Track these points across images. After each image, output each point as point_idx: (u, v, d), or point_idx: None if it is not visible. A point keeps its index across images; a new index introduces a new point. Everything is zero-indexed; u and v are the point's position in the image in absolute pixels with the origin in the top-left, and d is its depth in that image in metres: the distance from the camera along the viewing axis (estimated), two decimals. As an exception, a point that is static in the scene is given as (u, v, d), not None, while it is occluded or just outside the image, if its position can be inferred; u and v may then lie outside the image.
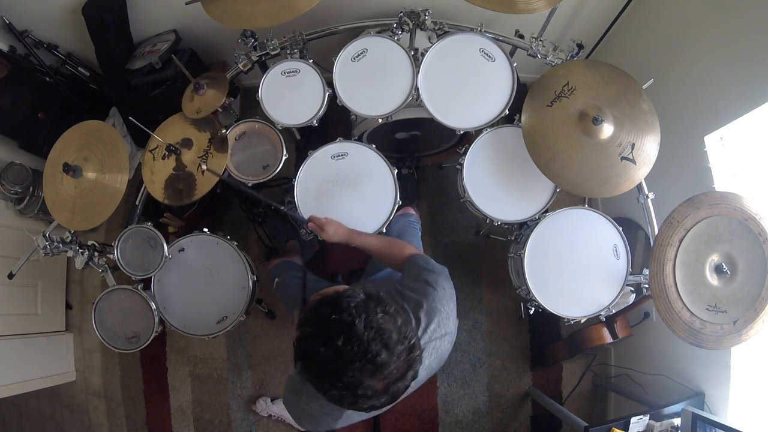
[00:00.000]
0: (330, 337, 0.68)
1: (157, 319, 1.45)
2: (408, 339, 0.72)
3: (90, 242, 1.52)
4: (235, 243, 1.51)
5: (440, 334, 0.95)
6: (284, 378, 2.23)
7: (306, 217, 1.40)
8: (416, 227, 1.59)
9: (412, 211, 1.64)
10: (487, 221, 1.53)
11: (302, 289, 1.28)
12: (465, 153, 1.52)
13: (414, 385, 0.96)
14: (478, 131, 1.51)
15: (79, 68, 2.04)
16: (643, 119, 1.35)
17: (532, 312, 1.56)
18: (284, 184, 1.95)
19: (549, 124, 1.38)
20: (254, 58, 1.56)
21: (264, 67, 1.59)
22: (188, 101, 1.50)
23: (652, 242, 1.36)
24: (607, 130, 1.34)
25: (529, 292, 1.46)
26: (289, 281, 1.51)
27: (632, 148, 1.34)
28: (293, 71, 1.51)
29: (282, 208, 1.38)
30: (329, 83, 1.50)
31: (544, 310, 1.46)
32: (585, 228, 1.47)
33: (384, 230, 1.46)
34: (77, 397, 2.34)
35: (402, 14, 1.53)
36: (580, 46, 1.49)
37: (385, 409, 0.77)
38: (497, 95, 1.48)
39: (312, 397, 0.91)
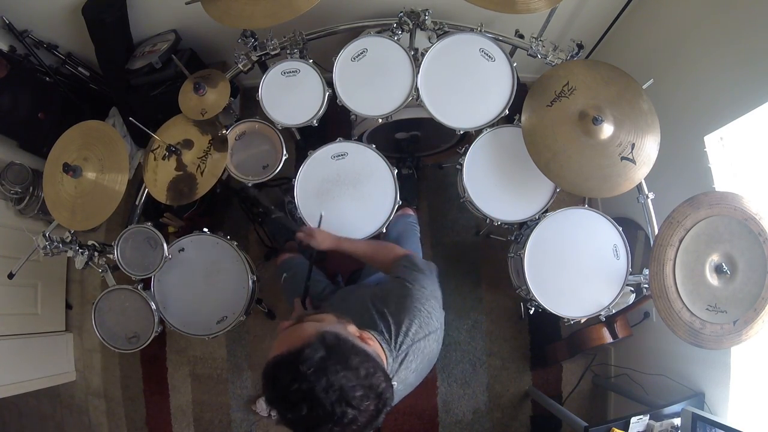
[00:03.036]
0: (293, 405, 0.67)
1: (157, 319, 1.45)
2: (375, 388, 0.71)
3: (90, 242, 1.52)
4: (235, 243, 1.51)
5: (423, 334, 0.94)
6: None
7: (304, 214, 1.41)
8: (415, 228, 1.59)
9: (411, 212, 1.64)
10: (487, 221, 1.53)
11: (304, 290, 1.27)
12: (465, 153, 1.52)
13: (406, 389, 0.96)
14: (478, 131, 1.51)
15: (79, 68, 2.04)
16: (643, 119, 1.35)
17: (532, 312, 1.56)
18: (284, 184, 1.95)
19: (549, 124, 1.38)
20: (254, 58, 1.56)
21: (264, 67, 1.59)
22: (188, 101, 1.49)
23: (652, 242, 1.36)
24: (607, 130, 1.34)
25: (529, 292, 1.46)
26: (298, 279, 1.51)
27: (632, 148, 1.34)
28: (293, 71, 1.51)
29: (274, 216, 1.39)
30: (329, 83, 1.50)
31: (544, 310, 1.46)
32: (585, 228, 1.47)
33: (384, 230, 1.46)
34: (77, 397, 2.34)
35: (402, 14, 1.53)
36: (580, 46, 1.49)
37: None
38: (497, 95, 1.48)
39: None
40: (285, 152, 1.50)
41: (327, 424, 0.67)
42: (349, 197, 1.48)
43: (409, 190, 2.17)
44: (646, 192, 1.45)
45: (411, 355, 0.92)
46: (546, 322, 2.17)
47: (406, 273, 1.05)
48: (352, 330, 0.80)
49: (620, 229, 1.45)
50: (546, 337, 2.19)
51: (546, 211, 1.51)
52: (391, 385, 0.76)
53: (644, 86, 1.37)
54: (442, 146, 2.10)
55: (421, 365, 0.96)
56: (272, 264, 2.20)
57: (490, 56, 1.49)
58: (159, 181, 1.49)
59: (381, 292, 1.03)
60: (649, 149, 1.35)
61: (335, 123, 1.79)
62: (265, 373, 0.71)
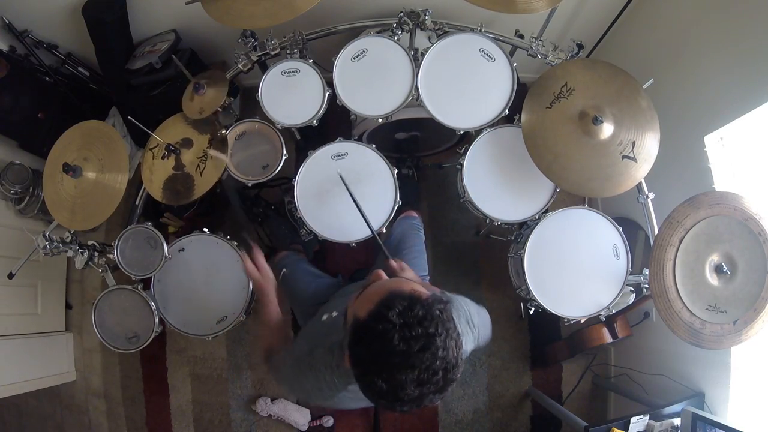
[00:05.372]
0: (411, 337, 0.67)
1: (157, 319, 1.45)
2: (457, 369, 0.73)
3: (90, 242, 1.52)
4: (235, 243, 1.51)
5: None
6: (284, 378, 2.23)
7: (304, 214, 1.40)
8: (419, 231, 1.57)
9: (415, 214, 1.63)
10: (487, 221, 1.53)
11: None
12: (465, 153, 1.52)
13: None
14: (478, 131, 1.51)
15: (79, 68, 2.04)
16: (643, 116, 1.35)
17: (532, 312, 1.56)
18: (284, 184, 1.95)
19: (549, 125, 1.38)
20: (254, 58, 1.56)
21: (264, 67, 1.59)
22: (189, 101, 1.50)
23: (652, 242, 1.36)
24: (607, 129, 1.34)
25: (529, 292, 1.46)
26: (297, 275, 1.50)
27: (633, 146, 1.34)
28: (293, 71, 1.51)
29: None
30: (329, 83, 1.50)
31: (544, 310, 1.46)
32: (585, 228, 1.47)
33: (384, 230, 1.46)
34: (77, 397, 2.34)
35: (402, 14, 1.53)
36: (580, 46, 1.49)
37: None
38: (497, 95, 1.48)
39: (312, 369, 0.91)
40: (285, 152, 1.50)
41: (421, 373, 0.68)
42: (349, 197, 1.47)
43: (409, 191, 2.16)
44: (646, 192, 1.45)
45: None
46: (546, 322, 2.16)
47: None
48: None
49: (620, 229, 1.45)
50: (546, 337, 2.19)
51: (546, 211, 1.51)
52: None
53: (644, 86, 1.37)
54: (442, 146, 2.10)
55: None
56: (271, 262, 2.20)
57: (490, 56, 1.49)
58: (155, 180, 1.49)
59: None
60: (649, 146, 1.35)
61: (335, 123, 1.79)
62: (395, 292, 0.72)
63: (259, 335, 1.23)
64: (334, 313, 1.01)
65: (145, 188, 1.52)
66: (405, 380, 0.68)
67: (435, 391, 0.70)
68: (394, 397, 0.70)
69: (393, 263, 1.20)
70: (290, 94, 1.50)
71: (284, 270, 1.55)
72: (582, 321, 1.47)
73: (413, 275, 1.23)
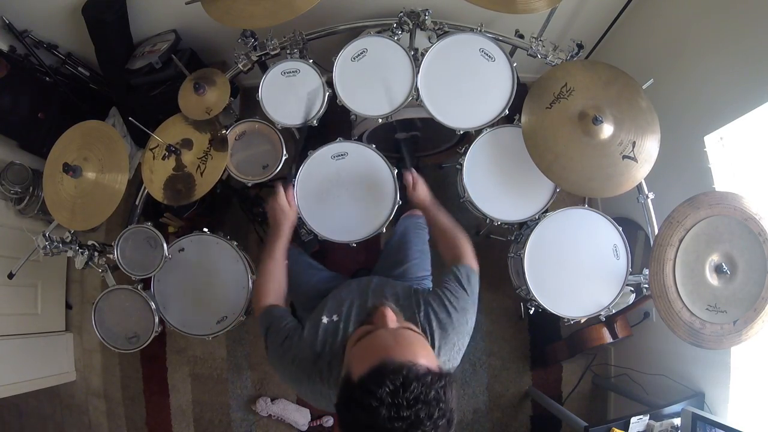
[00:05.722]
0: (399, 417, 0.65)
1: (156, 319, 1.45)
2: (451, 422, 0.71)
3: (90, 242, 1.52)
4: (235, 243, 1.51)
5: (447, 367, 0.95)
6: (284, 378, 2.23)
7: (304, 214, 1.41)
8: (423, 230, 1.55)
9: (418, 213, 1.62)
10: (487, 221, 1.53)
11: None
12: (465, 153, 1.52)
13: None
14: (478, 131, 1.51)
15: (79, 68, 2.04)
16: (643, 117, 1.35)
17: (532, 312, 1.56)
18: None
19: (549, 126, 1.38)
20: (254, 58, 1.56)
21: (264, 67, 1.59)
22: (189, 102, 1.49)
23: (652, 242, 1.36)
24: (607, 129, 1.34)
25: (529, 292, 1.46)
26: (299, 267, 1.50)
27: (633, 147, 1.34)
28: (293, 71, 1.51)
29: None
30: (329, 83, 1.50)
31: (544, 310, 1.46)
32: (585, 228, 1.47)
33: (384, 230, 1.46)
34: (77, 397, 2.34)
35: (402, 14, 1.53)
36: (580, 46, 1.49)
37: None
38: (497, 95, 1.48)
39: (310, 379, 0.91)
40: (285, 152, 1.50)
41: None
42: (349, 197, 1.47)
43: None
44: (646, 192, 1.45)
45: None
46: (546, 322, 2.16)
47: (456, 288, 1.09)
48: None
49: (620, 229, 1.45)
50: (546, 337, 2.19)
51: (546, 211, 1.51)
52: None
53: (644, 86, 1.37)
54: (442, 146, 2.10)
55: None
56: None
57: (490, 56, 1.49)
58: (155, 180, 1.49)
59: (430, 297, 1.05)
60: (649, 147, 1.35)
61: (335, 123, 1.79)
62: (384, 373, 0.68)
63: (259, 271, 1.23)
64: (335, 317, 1.00)
65: (145, 188, 1.52)
66: None
67: None
68: None
69: (409, 176, 1.32)
70: (290, 94, 1.50)
71: (286, 263, 1.54)
72: (582, 321, 1.47)
73: (425, 193, 1.33)
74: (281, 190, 1.29)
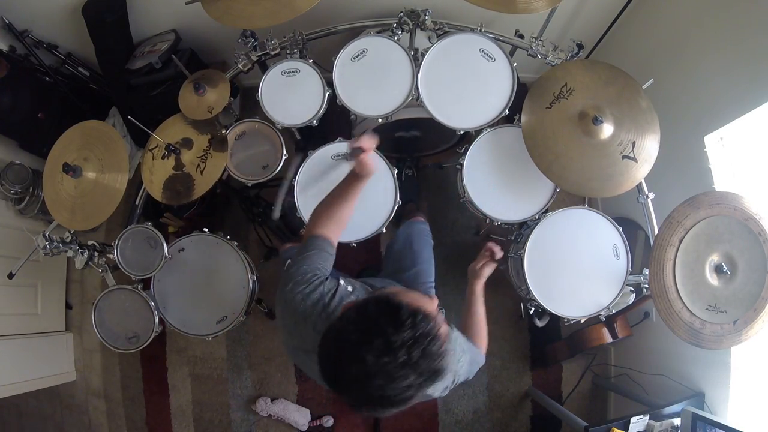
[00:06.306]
0: (405, 340, 0.74)
1: (157, 319, 1.45)
2: (393, 401, 0.84)
3: (90, 242, 1.52)
4: (235, 243, 1.51)
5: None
6: (284, 378, 2.24)
7: (304, 214, 1.39)
8: (428, 236, 1.54)
9: (422, 218, 1.61)
10: (487, 221, 1.53)
11: None
12: (465, 153, 1.52)
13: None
14: (478, 131, 1.51)
15: (79, 68, 2.04)
16: (642, 117, 1.35)
17: (532, 312, 1.55)
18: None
19: (549, 126, 1.38)
20: (254, 58, 1.56)
21: (264, 67, 1.59)
22: (189, 102, 1.49)
23: (652, 242, 1.36)
24: (607, 129, 1.34)
25: (529, 291, 1.46)
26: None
27: (633, 147, 1.34)
28: (293, 71, 1.51)
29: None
30: (329, 83, 1.50)
31: (544, 309, 1.46)
32: (585, 228, 1.47)
33: (384, 230, 1.46)
34: (77, 397, 2.34)
35: (402, 14, 1.53)
36: (580, 46, 1.49)
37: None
38: (497, 95, 1.48)
39: (306, 326, 0.93)
40: (285, 152, 1.50)
41: (397, 368, 0.76)
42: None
43: (410, 191, 2.16)
44: (646, 192, 1.45)
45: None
46: (546, 323, 2.16)
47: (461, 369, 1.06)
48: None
49: (620, 229, 1.45)
50: (546, 337, 2.19)
51: (546, 211, 1.51)
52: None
53: (644, 86, 1.37)
54: (442, 146, 2.10)
55: None
56: (271, 262, 2.20)
57: (490, 56, 1.49)
58: (155, 180, 1.49)
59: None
60: (649, 147, 1.35)
61: (335, 123, 1.79)
62: (400, 306, 0.76)
63: (329, 202, 1.14)
64: (349, 288, 1.00)
65: (145, 188, 1.52)
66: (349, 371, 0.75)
67: (370, 400, 0.78)
68: (332, 377, 0.78)
69: (497, 249, 1.25)
70: (290, 94, 1.50)
71: (289, 261, 1.54)
72: (582, 321, 1.47)
73: (488, 275, 1.25)
74: (367, 154, 1.13)
